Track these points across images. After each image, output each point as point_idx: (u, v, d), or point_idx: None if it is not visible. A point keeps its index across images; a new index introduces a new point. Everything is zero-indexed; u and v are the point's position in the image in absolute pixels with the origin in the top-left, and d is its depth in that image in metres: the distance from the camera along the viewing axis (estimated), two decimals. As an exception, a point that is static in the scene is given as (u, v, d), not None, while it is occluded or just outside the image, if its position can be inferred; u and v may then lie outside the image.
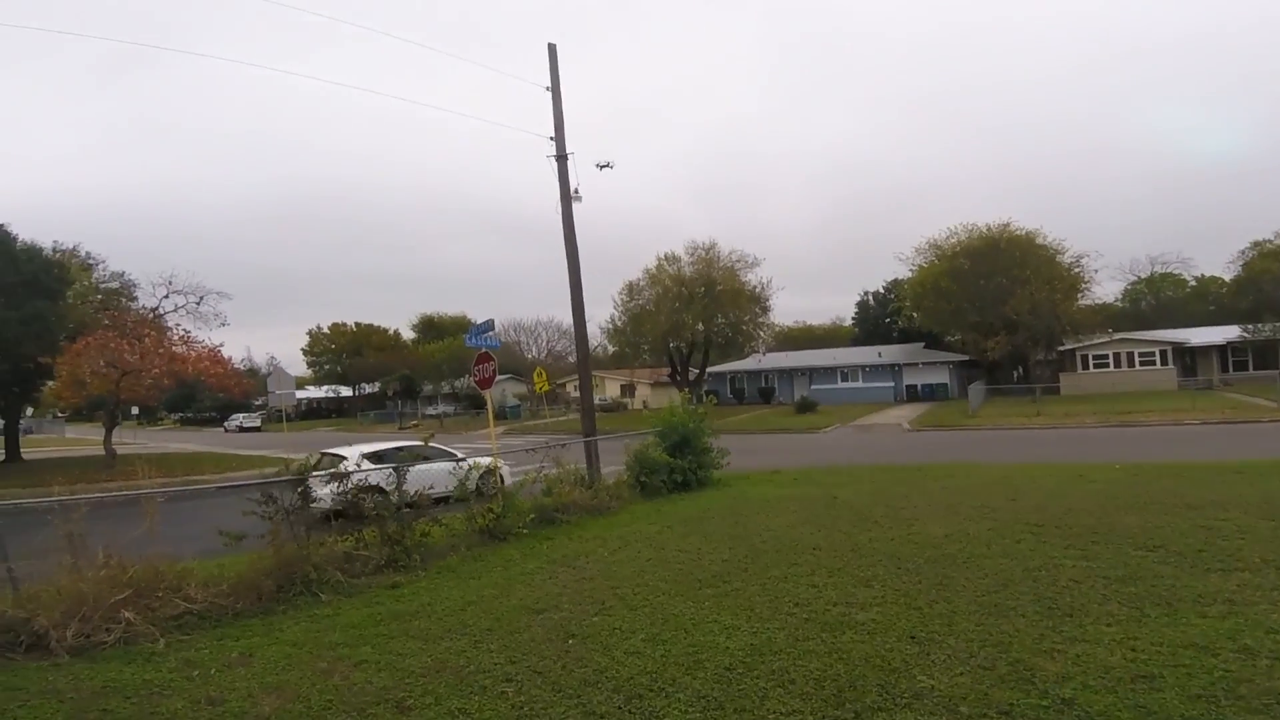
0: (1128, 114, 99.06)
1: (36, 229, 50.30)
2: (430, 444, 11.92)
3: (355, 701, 4.25)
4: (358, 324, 78.27)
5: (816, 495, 11.24)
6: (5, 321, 22.46)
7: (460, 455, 12.70)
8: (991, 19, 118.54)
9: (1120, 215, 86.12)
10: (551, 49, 14.03)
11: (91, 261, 32.56)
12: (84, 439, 43.43)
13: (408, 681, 4.55)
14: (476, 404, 55.32)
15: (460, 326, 61.96)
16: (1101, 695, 3.84)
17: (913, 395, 43.75)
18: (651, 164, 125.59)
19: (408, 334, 78.15)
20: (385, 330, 78.41)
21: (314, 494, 8.00)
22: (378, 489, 8.72)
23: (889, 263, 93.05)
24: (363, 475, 8.87)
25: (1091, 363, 41.12)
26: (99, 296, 32.39)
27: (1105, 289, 49.21)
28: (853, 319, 65.75)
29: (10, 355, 23.04)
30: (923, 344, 48.80)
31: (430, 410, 59.05)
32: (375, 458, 12.39)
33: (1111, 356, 40.62)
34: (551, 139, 14.00)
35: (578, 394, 17.22)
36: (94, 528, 6.33)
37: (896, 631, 4.97)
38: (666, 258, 43.61)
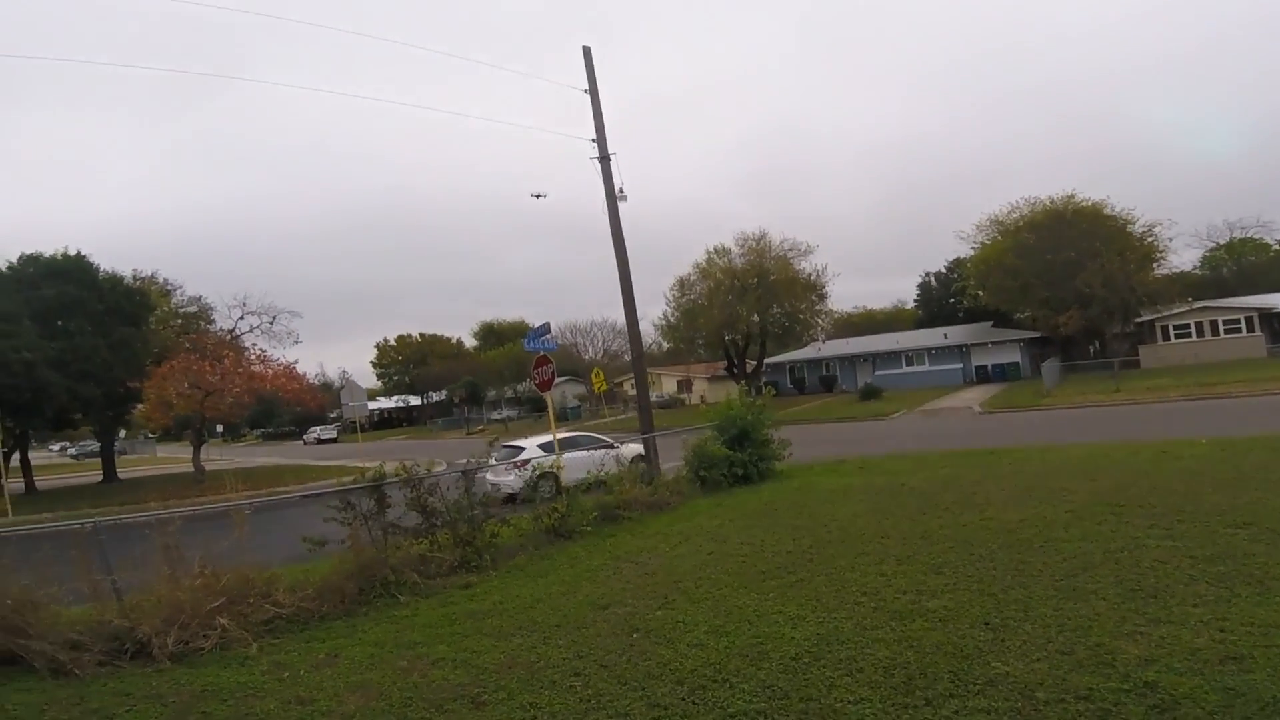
0: (1194, 76, 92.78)
1: (115, 258, 53.39)
2: (591, 435, 14.92)
3: (433, 698, 4.42)
4: (422, 335, 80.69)
5: (883, 484, 11.02)
6: (95, 349, 24.07)
7: (613, 443, 14.67)
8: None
9: (1191, 182, 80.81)
10: (586, 52, 14.15)
11: (170, 287, 34.62)
12: (174, 457, 45.99)
13: (482, 678, 4.71)
14: (538, 407, 56.14)
15: (519, 332, 63.02)
16: (1187, 678, 3.69)
17: (983, 376, 42.18)
18: (696, 158, 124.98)
19: (470, 342, 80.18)
20: (448, 339, 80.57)
21: (498, 481, 10.89)
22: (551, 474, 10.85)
23: (949, 241, 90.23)
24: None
25: (1172, 333, 38.87)
26: (179, 321, 34.38)
27: (1182, 257, 46.35)
28: (915, 301, 63.82)
29: (102, 381, 24.53)
30: (990, 323, 47.07)
31: (495, 415, 60.31)
32: (546, 447, 14.03)
33: (1193, 326, 38.28)
34: (593, 141, 14.13)
35: (635, 392, 17.34)
36: (188, 540, 6.71)
37: (969, 618, 4.87)
38: (716, 250, 43.32)
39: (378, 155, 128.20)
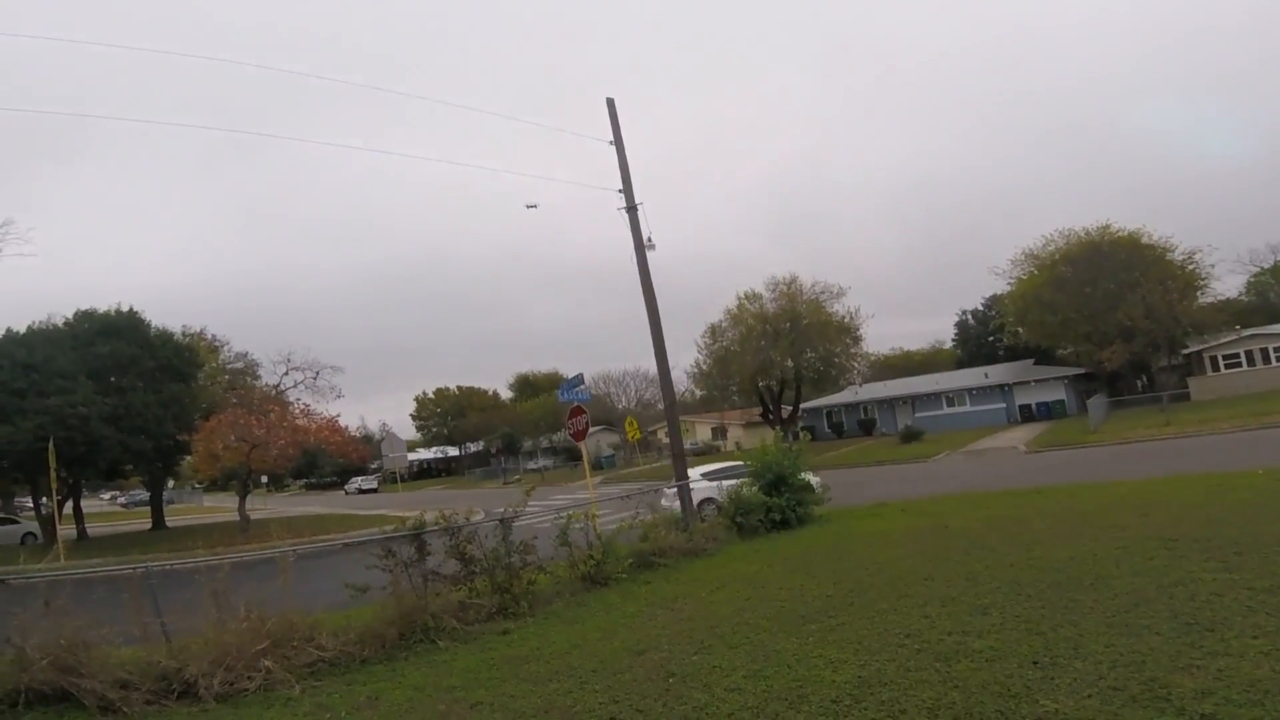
0: (1222, 99, 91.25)
1: (165, 314, 55.21)
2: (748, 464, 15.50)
3: (471, 741, 4.42)
4: (459, 387, 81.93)
5: (926, 526, 10.80)
6: (147, 405, 25.09)
7: None
8: (1056, 23, 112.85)
9: (1226, 206, 78.75)
10: (610, 104, 14.49)
11: (217, 344, 35.96)
12: (220, 506, 46.97)
13: (519, 722, 4.70)
14: (574, 456, 56.23)
15: (553, 383, 63.69)
16: (1246, 709, 3.55)
17: (1027, 415, 41.14)
18: (717, 206, 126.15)
19: (505, 393, 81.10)
20: (485, 391, 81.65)
21: (669, 505, 13.09)
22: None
23: (984, 277, 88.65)
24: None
25: (1222, 363, 37.58)
26: (227, 376, 35.57)
27: (1226, 284, 44.91)
28: (953, 340, 63.00)
29: (153, 434, 25.50)
30: (1032, 360, 46.12)
31: (531, 465, 60.50)
32: (709, 475, 16.00)
33: (1243, 355, 36.97)
34: (620, 191, 14.39)
35: (669, 440, 17.36)
36: (234, 585, 6.87)
37: (1017, 657, 4.73)
38: (747, 296, 43.42)
39: (411, 215, 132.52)
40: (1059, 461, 21.07)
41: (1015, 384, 43.08)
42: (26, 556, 7.84)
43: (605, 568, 9.42)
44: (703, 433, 58.78)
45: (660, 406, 55.26)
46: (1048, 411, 40.47)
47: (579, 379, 14.96)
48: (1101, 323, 37.11)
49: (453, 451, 77.23)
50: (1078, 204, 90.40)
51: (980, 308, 57.13)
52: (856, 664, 5.04)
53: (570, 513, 9.90)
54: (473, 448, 72.85)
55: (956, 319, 61.15)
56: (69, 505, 28.02)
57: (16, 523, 29.36)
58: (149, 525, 32.40)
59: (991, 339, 54.34)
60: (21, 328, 24.91)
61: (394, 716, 5.05)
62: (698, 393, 51.02)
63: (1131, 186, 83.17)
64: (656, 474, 32.87)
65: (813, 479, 13.44)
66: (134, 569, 6.95)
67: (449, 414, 79.49)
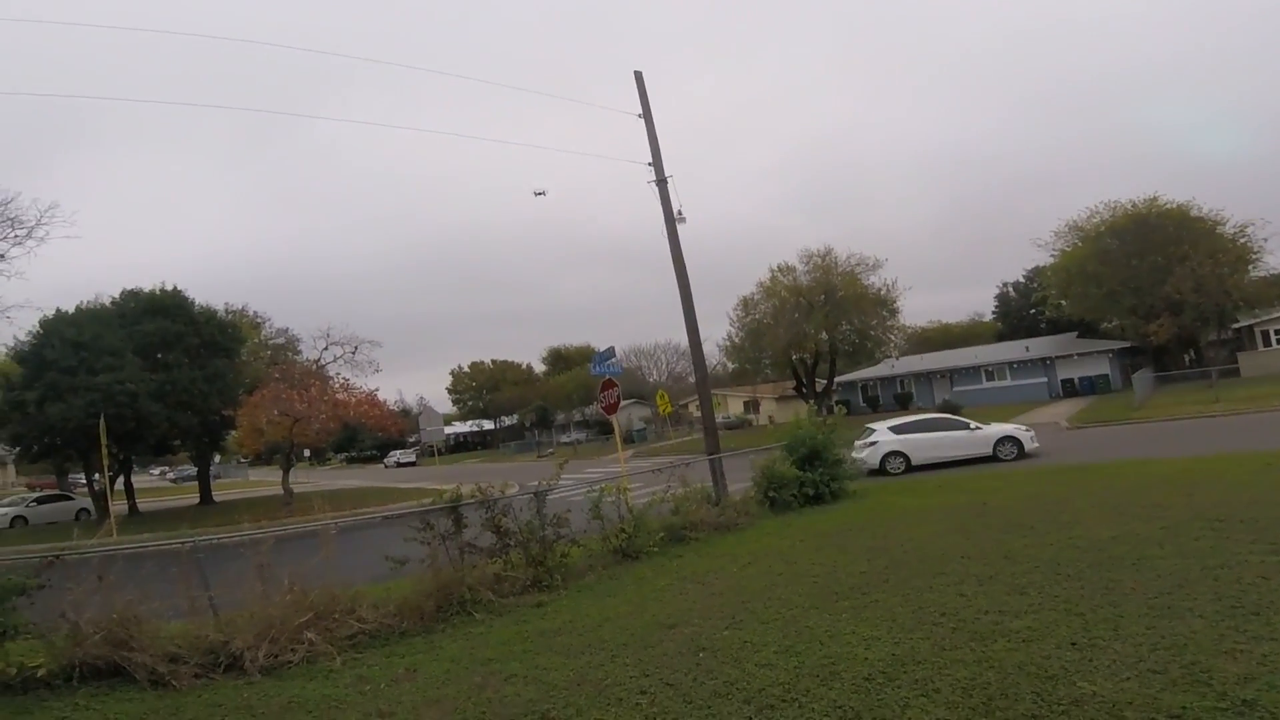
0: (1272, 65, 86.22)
1: (206, 292, 56.60)
2: (945, 417, 17.83)
3: (506, 713, 4.51)
4: (494, 361, 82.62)
5: (964, 503, 10.64)
6: (192, 380, 25.70)
7: (973, 424, 17.29)
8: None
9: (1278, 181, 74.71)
10: (638, 77, 14.37)
11: (259, 320, 36.73)
12: (264, 480, 48.44)
13: (552, 694, 4.77)
14: (606, 430, 56.64)
15: (585, 356, 63.85)
16: (1291, 697, 3.42)
17: (1069, 390, 40.06)
18: (745, 179, 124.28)
19: (539, 367, 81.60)
20: (519, 365, 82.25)
21: (859, 457, 15.57)
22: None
23: (1025, 249, 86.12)
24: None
25: (1274, 339, 36.11)
26: (268, 352, 36.39)
27: (1278, 258, 43.10)
28: (993, 313, 61.48)
29: (198, 410, 26.14)
30: (1076, 334, 44.79)
31: (564, 438, 61.10)
32: (899, 429, 17.28)
33: (1296, 329, 35.54)
34: (649, 164, 14.33)
35: (700, 414, 17.40)
36: (278, 558, 7.04)
37: (1055, 638, 4.66)
38: (780, 269, 42.62)
39: (444, 192, 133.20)
40: (1102, 438, 20.55)
41: (1057, 358, 41.90)
42: (80, 532, 8.13)
43: (637, 541, 9.48)
44: (735, 406, 58.60)
45: (691, 380, 55.29)
46: (1091, 386, 39.37)
47: (610, 352, 14.95)
48: (1148, 296, 35.97)
49: (488, 425, 78.30)
50: (1122, 178, 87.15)
51: (1022, 280, 55.63)
52: (890, 641, 5.01)
53: (602, 486, 9.98)
54: (507, 421, 73.79)
55: (997, 291, 59.80)
56: (120, 481, 28.97)
57: (71, 499, 30.50)
58: (197, 500, 33.47)
59: (1033, 312, 52.93)
60: (71, 308, 25.52)
61: (431, 688, 5.15)
62: (729, 366, 50.64)
63: (1178, 161, 79.75)
64: (688, 447, 32.91)
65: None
66: (182, 544, 7.14)
67: (484, 387, 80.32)
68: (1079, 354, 41.46)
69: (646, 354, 69.33)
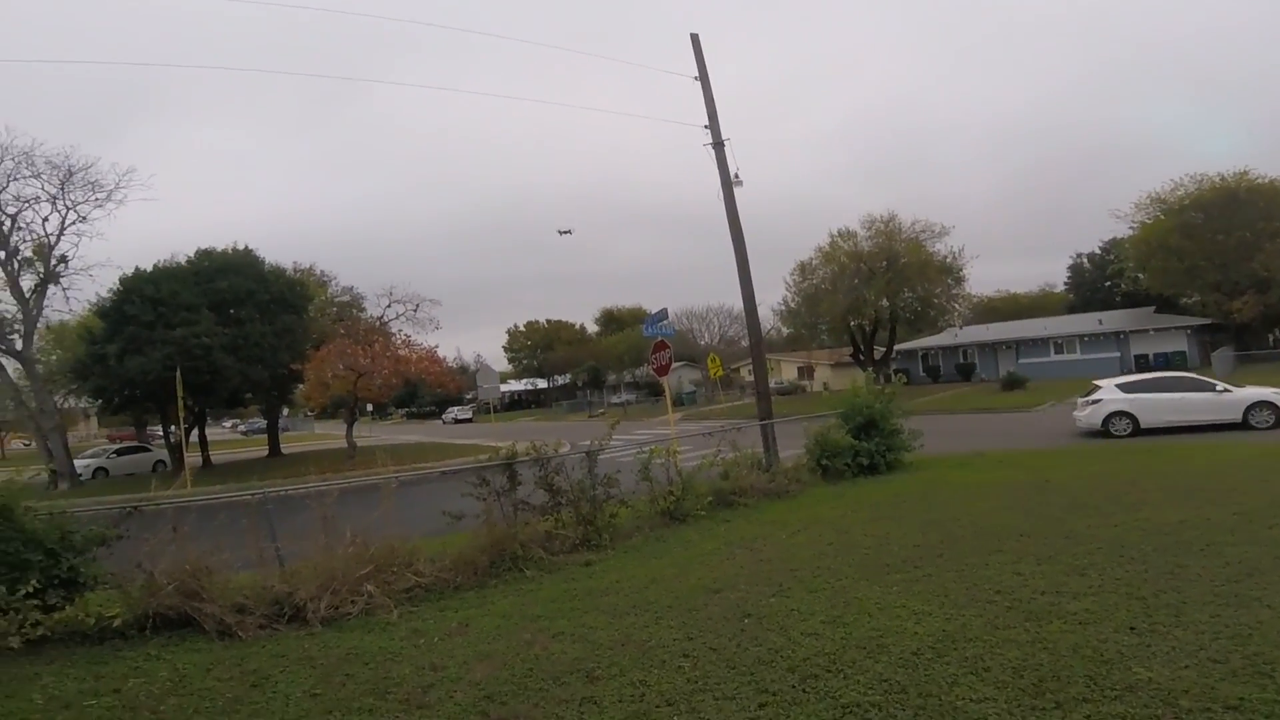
0: None
1: (275, 252, 58.55)
2: (1187, 375, 16.59)
3: (552, 670, 4.61)
4: (549, 320, 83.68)
5: (1024, 480, 10.31)
6: (263, 335, 26.79)
7: (1220, 386, 15.59)
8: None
9: None
10: (694, 39, 14.14)
11: (326, 278, 37.90)
12: (329, 434, 50.37)
13: (597, 653, 4.86)
14: (655, 391, 56.86)
15: (637, 318, 64.00)
16: (1360, 697, 3.23)
17: (1143, 366, 38.05)
18: (803, 145, 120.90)
19: (592, 327, 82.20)
20: (572, 325, 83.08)
21: (1078, 415, 16.30)
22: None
23: (1101, 221, 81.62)
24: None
25: (1368, 321, 33.60)
26: (334, 309, 37.59)
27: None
28: (1065, 284, 59.18)
29: (269, 363, 27.21)
30: (1153, 308, 42.53)
31: (614, 399, 61.62)
32: (1129, 387, 16.34)
33: (1394, 312, 32.91)
34: (706, 127, 14.14)
35: (752, 378, 17.28)
36: (341, 511, 7.27)
37: (1113, 622, 4.51)
38: (841, 234, 41.63)
39: (501, 157, 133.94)
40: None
41: (1132, 332, 39.88)
42: (157, 483, 8.57)
43: (685, 504, 9.52)
44: (788, 372, 57.98)
45: (744, 344, 54.86)
46: (1166, 363, 37.37)
47: (663, 314, 14.92)
48: (1234, 272, 34.30)
49: (541, 384, 79.58)
50: (1205, 151, 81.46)
51: (1097, 251, 53.46)
52: (941, 617, 4.92)
53: (652, 448, 9.98)
54: (560, 380, 74.82)
55: (1070, 262, 57.61)
56: (194, 433, 30.51)
57: (149, 451, 32.27)
58: (266, 452, 35.13)
59: (1108, 284, 50.77)
60: (148, 266, 26.78)
61: (482, 643, 5.29)
62: (784, 331, 50.01)
63: (1272, 136, 73.69)
64: (738, 412, 32.79)
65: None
66: (252, 495, 7.40)
67: (538, 346, 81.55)
68: (1155, 329, 39.42)
69: (698, 317, 69.04)
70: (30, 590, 5.62)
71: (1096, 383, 17.43)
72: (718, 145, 14.06)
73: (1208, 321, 38.10)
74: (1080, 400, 16.89)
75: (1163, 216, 38.42)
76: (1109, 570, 5.59)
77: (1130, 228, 41.45)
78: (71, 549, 6.08)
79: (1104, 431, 15.89)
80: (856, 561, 6.63)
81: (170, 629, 5.96)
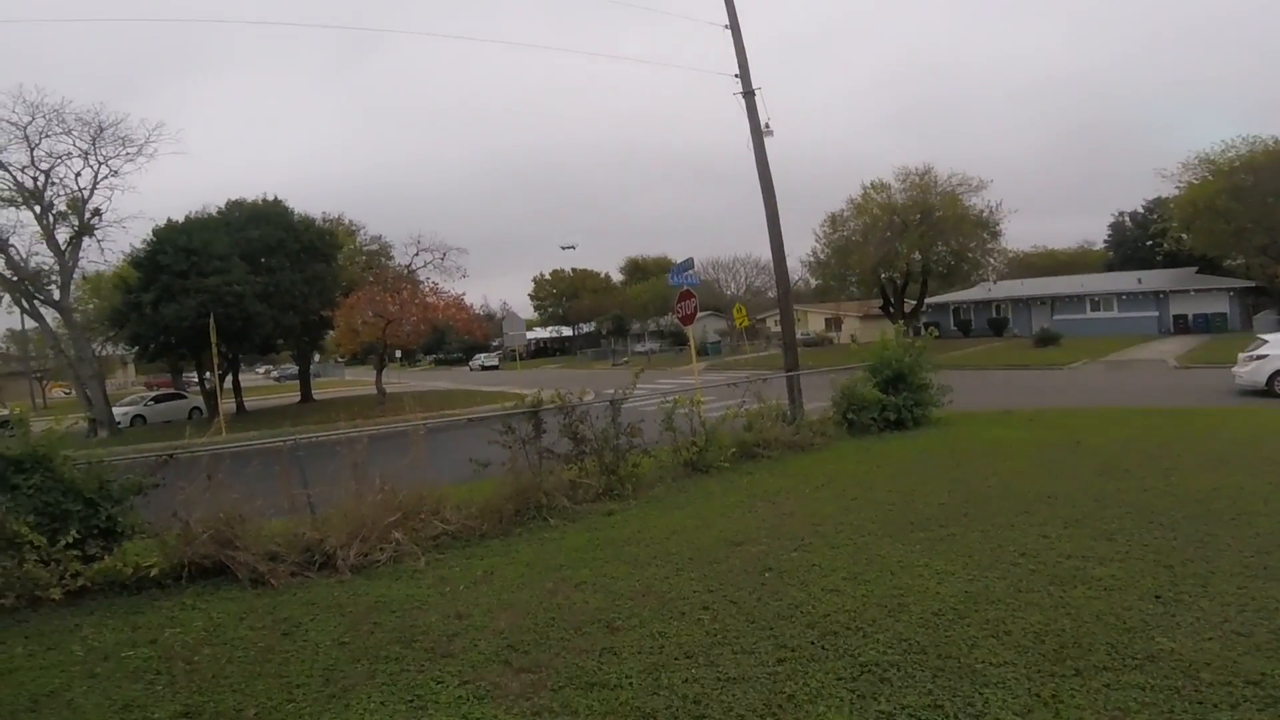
0: None
1: (304, 203, 58.88)
2: None
3: (573, 620, 4.69)
4: (574, 269, 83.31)
5: (1055, 439, 10.14)
6: (294, 282, 27.25)
7: None
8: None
9: None
10: (725, -16, 13.61)
11: (354, 228, 38.05)
12: (359, 380, 51.18)
13: (618, 603, 4.94)
14: (679, 341, 56.92)
15: (662, 267, 63.48)
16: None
17: (1182, 327, 37.18)
18: (834, 96, 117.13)
19: (617, 277, 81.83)
20: (598, 274, 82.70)
21: (1238, 371, 15.08)
22: None
23: (1146, 180, 78.68)
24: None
25: None
26: (363, 257, 37.83)
27: None
28: (1105, 242, 58.13)
29: (300, 310, 27.80)
30: (1195, 269, 41.17)
31: (638, 348, 61.71)
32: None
33: None
34: (736, 76, 13.76)
35: (778, 329, 17.12)
36: (370, 457, 7.30)
37: (1138, 590, 4.45)
38: (874, 186, 40.66)
39: (526, 107, 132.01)
40: (1213, 381, 18.93)
41: (1172, 292, 38.76)
42: (192, 431, 8.66)
43: (708, 455, 9.53)
44: (815, 323, 57.51)
45: (770, 295, 54.28)
46: (1205, 324, 36.43)
47: (689, 263, 14.77)
48: None
49: (566, 332, 79.86)
50: (1258, 113, 77.19)
51: (1140, 210, 51.96)
52: (964, 578, 4.90)
53: (676, 398, 9.94)
54: (585, 328, 75.03)
55: (1111, 220, 56.64)
56: (228, 380, 31.13)
57: (184, 398, 32.89)
58: (298, 398, 35.81)
59: (1150, 244, 49.38)
60: (180, 218, 27.28)
61: (506, 592, 5.37)
62: (812, 282, 49.36)
63: None
64: (764, 363, 32.63)
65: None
66: (284, 442, 7.47)
67: (564, 295, 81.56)
68: (1196, 290, 38.33)
69: (725, 267, 68.31)
70: (70, 541, 5.66)
71: (1262, 336, 16.07)
72: (748, 95, 13.71)
73: (1251, 284, 36.95)
74: (1242, 355, 15.54)
75: (1211, 178, 36.96)
76: (1137, 536, 5.51)
77: (1177, 188, 39.97)
78: (109, 498, 6.10)
79: (1268, 390, 14.60)
80: (880, 518, 6.61)
81: (205, 578, 6.04)
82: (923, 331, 14.87)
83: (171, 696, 3.91)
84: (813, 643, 4.08)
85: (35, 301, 25.40)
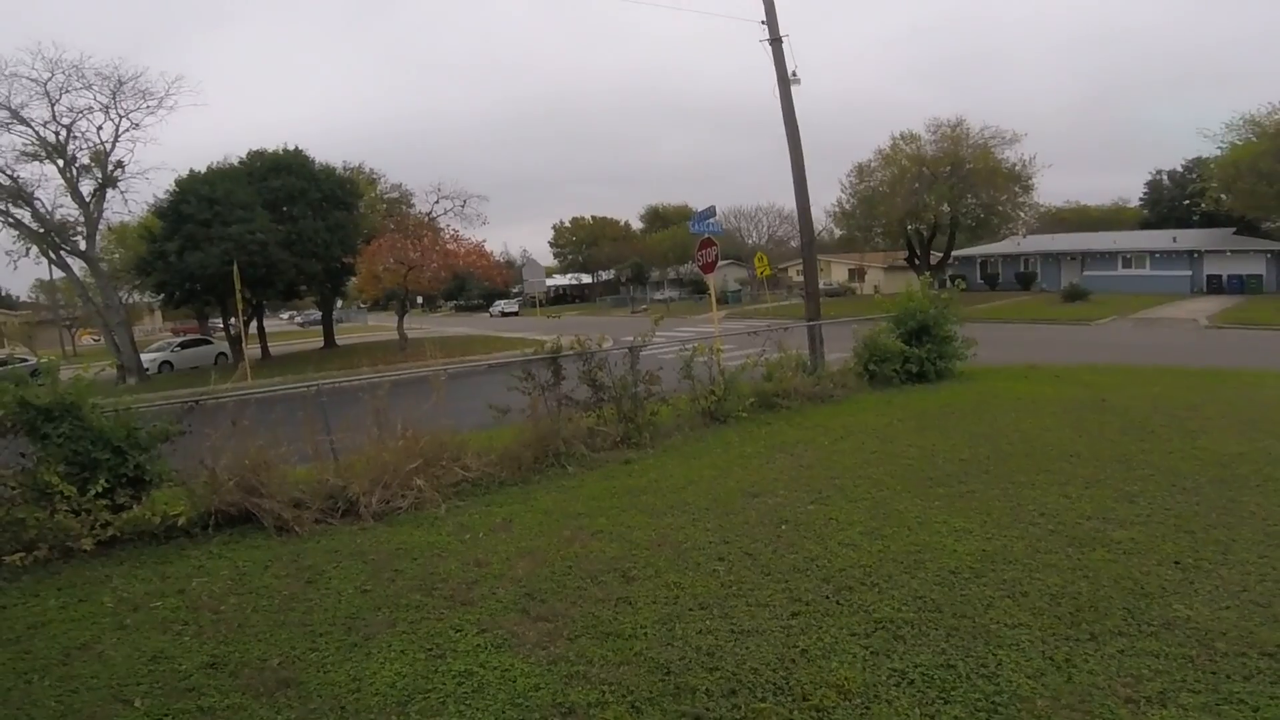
0: None
1: (324, 152, 58.82)
2: None
3: (590, 569, 4.75)
4: (594, 217, 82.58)
5: (1080, 397, 9.96)
6: (316, 230, 27.62)
7: None
8: None
9: None
10: (750, -71, 12.96)
11: (375, 176, 38.02)
12: (381, 325, 51.58)
13: (634, 553, 4.99)
14: (699, 289, 56.56)
15: (683, 216, 62.76)
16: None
17: (1214, 287, 36.26)
18: (870, 46, 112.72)
19: (637, 225, 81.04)
20: (617, 222, 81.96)
21: None
22: None
23: (1187, 139, 75.64)
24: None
25: None
26: (384, 205, 37.89)
27: None
28: (1141, 199, 56.81)
29: (322, 257, 28.21)
30: (1233, 230, 39.92)
31: (658, 295, 61.38)
32: None
33: None
34: (762, 23, 13.30)
35: (799, 279, 16.91)
36: (392, 403, 7.34)
37: (1158, 555, 4.41)
38: (903, 137, 39.55)
39: (548, 54, 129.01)
40: (1245, 342, 18.51)
41: (1207, 252, 37.64)
42: (218, 376, 8.65)
43: (726, 405, 9.48)
44: (839, 273, 56.81)
45: (793, 244, 53.51)
46: (1240, 285, 35.50)
47: (710, 211, 14.51)
48: None
49: (586, 279, 79.63)
50: None
51: (1179, 169, 50.46)
52: (982, 536, 4.89)
53: (695, 346, 9.84)
54: (604, 276, 74.75)
55: (1149, 178, 54.90)
56: (253, 326, 31.52)
57: (211, 344, 33.17)
58: (321, 344, 36.21)
59: (1187, 203, 48.19)
60: (203, 168, 27.54)
61: (524, 539, 5.44)
62: (836, 233, 48.61)
63: None
64: (784, 312, 32.34)
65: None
66: (308, 387, 7.45)
67: (583, 242, 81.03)
68: (1233, 250, 37.18)
69: (747, 215, 67.39)
70: (100, 490, 5.64)
71: None
72: (775, 42, 13.28)
73: None
74: None
75: (1255, 139, 35.55)
76: (1159, 500, 5.43)
77: (1219, 148, 38.49)
78: (137, 446, 6.06)
79: None
80: (899, 473, 6.58)
81: (231, 525, 6.08)
82: (949, 284, 14.54)
83: (199, 647, 4.00)
84: (827, 597, 4.10)
85: (62, 252, 25.86)
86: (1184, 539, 4.64)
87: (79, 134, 25.06)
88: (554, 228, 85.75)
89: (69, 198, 25.36)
